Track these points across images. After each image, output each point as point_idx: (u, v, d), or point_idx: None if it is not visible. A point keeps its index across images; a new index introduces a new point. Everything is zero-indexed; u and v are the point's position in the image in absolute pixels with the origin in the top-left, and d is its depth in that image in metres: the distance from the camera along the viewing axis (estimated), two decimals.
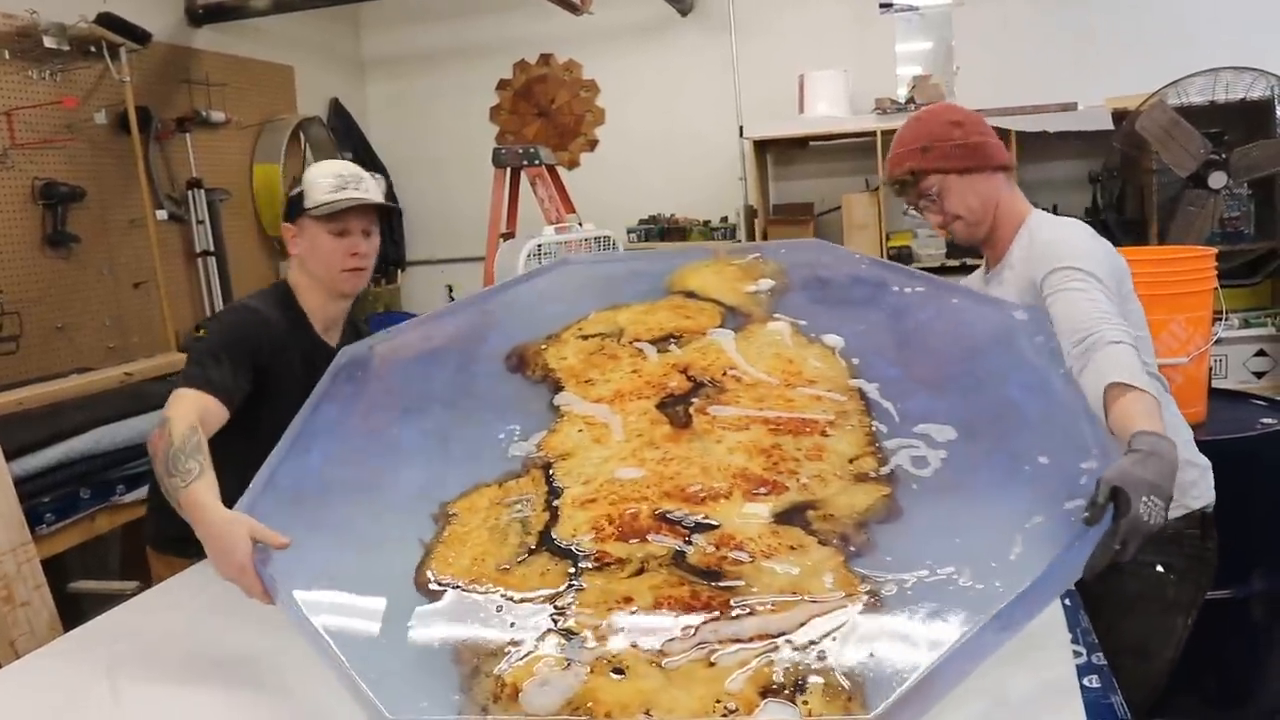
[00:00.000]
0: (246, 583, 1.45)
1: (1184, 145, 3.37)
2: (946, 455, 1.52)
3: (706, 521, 1.45)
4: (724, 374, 1.76)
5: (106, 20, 4.15)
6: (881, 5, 4.94)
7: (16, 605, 2.32)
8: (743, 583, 1.34)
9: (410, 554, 1.47)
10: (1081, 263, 1.73)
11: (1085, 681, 1.41)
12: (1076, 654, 1.49)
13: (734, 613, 1.29)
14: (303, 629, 1.35)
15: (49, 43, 3.95)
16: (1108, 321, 1.60)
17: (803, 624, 1.26)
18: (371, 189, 2.07)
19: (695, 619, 1.28)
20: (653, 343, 1.88)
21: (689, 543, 1.41)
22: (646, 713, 1.16)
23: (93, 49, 4.15)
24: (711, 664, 1.22)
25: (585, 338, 1.93)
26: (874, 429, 1.60)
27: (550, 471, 1.59)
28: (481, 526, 1.50)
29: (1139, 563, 1.61)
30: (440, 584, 1.40)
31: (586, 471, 1.58)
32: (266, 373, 1.93)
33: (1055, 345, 1.68)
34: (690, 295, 2.03)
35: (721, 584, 1.34)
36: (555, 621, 1.31)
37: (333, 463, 1.68)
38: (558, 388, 1.80)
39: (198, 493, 1.53)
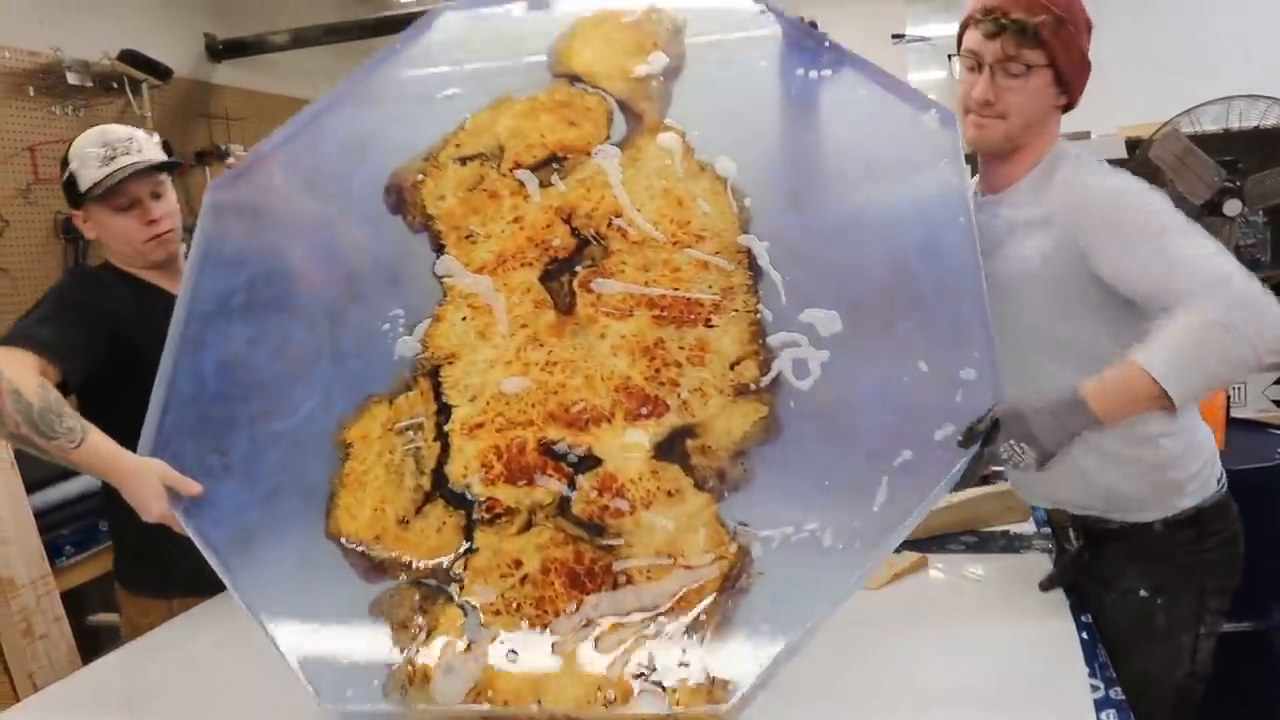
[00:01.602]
0: (175, 528, 1.56)
1: (1198, 173, 3.18)
2: (827, 359, 1.51)
3: (590, 455, 1.50)
4: (610, 225, 1.67)
5: (129, 57, 4.20)
6: (894, 36, 4.98)
7: (35, 638, 2.30)
8: (622, 541, 1.44)
9: (317, 498, 1.55)
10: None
11: (1103, 717, 1.39)
12: (1094, 688, 1.45)
13: (615, 575, 1.41)
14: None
15: (72, 79, 4.01)
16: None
17: (675, 594, 1.39)
18: (146, 147, 1.87)
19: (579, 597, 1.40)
20: (535, 168, 1.74)
21: (573, 486, 1.48)
22: (538, 701, 1.35)
23: (115, 85, 4.21)
24: (595, 644, 1.37)
25: (464, 161, 1.78)
26: (759, 316, 1.56)
27: (438, 379, 1.60)
28: (377, 463, 1.56)
29: (1124, 590, 1.65)
30: (348, 545, 1.51)
31: (473, 382, 1.59)
32: (127, 338, 1.81)
33: (959, 170, 1.56)
34: (576, 80, 1.82)
35: (603, 541, 1.44)
36: (451, 596, 1.44)
37: (226, 376, 1.67)
38: (439, 244, 1.71)
39: (96, 444, 1.57)
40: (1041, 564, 1.90)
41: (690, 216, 1.65)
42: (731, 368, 1.53)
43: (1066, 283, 1.55)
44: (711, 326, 1.56)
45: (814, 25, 1.77)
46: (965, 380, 1.46)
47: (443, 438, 1.56)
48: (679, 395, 1.52)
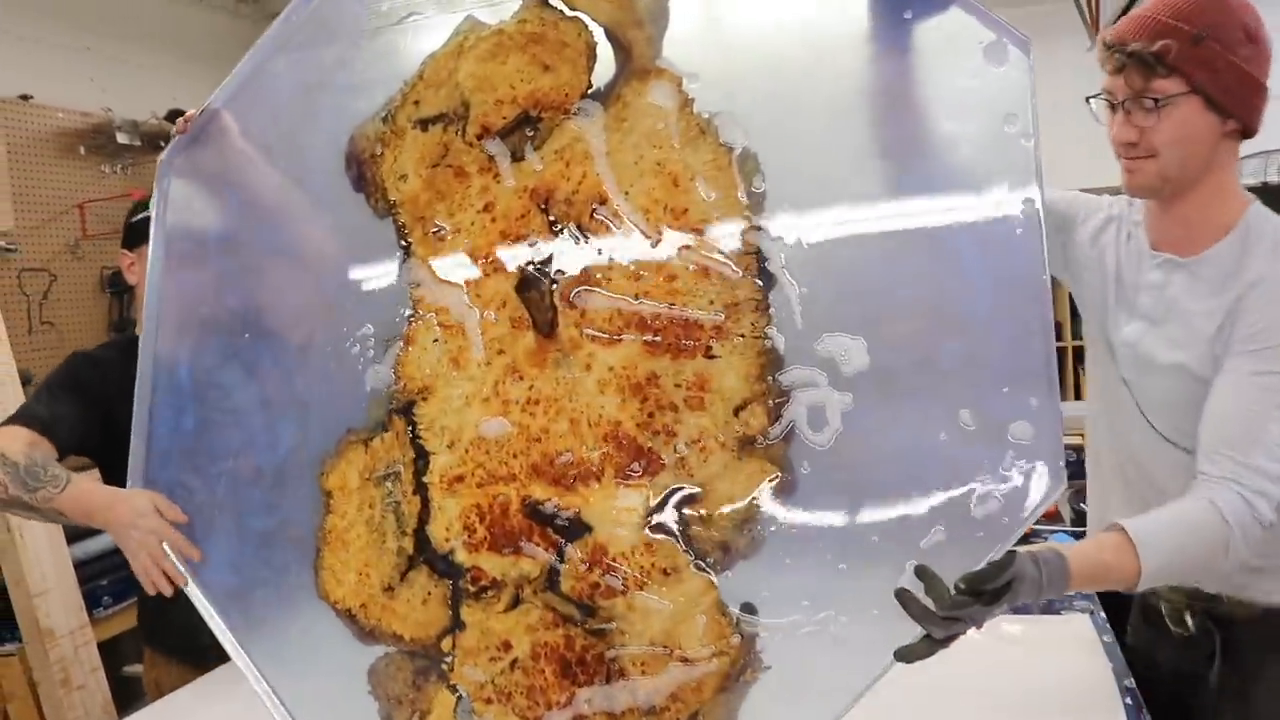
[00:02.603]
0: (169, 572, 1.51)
1: None
2: (850, 406, 1.24)
3: (578, 521, 1.33)
4: (593, 215, 1.38)
5: (176, 116, 3.45)
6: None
7: (73, 689, 2.26)
8: (614, 626, 1.29)
9: (306, 549, 1.46)
10: None
11: None
12: None
13: (607, 663, 1.29)
14: (234, 655, 1.46)
15: (121, 138, 4.11)
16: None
17: (671, 692, 1.26)
18: None
19: (570, 689, 1.29)
20: (505, 134, 1.44)
21: (561, 556, 1.33)
22: None
23: (162, 143, 3.76)
24: None
25: (424, 126, 1.49)
26: (769, 344, 1.28)
27: (412, 418, 1.43)
28: (358, 519, 1.44)
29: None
30: (338, 609, 1.42)
31: (449, 423, 1.40)
32: (117, 417, 1.66)
33: (1031, 144, 1.19)
34: (546, 4, 1.45)
35: (594, 625, 1.30)
36: (444, 674, 1.35)
37: (204, 401, 1.55)
38: (405, 241, 1.47)
39: (79, 482, 1.53)
40: (1082, 625, 1.70)
41: (688, 203, 1.34)
42: (736, 414, 1.29)
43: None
44: (713, 357, 1.30)
45: None
46: (1018, 441, 1.17)
47: (422, 489, 1.40)
48: (675, 449, 1.30)
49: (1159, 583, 1.25)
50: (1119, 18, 1.39)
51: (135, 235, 1.89)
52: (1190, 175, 1.33)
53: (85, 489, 1.53)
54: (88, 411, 1.74)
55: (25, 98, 4.06)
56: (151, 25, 4.68)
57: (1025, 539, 2.28)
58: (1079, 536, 2.43)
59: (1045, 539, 2.14)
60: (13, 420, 1.67)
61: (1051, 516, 2.59)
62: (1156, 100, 1.30)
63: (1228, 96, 1.28)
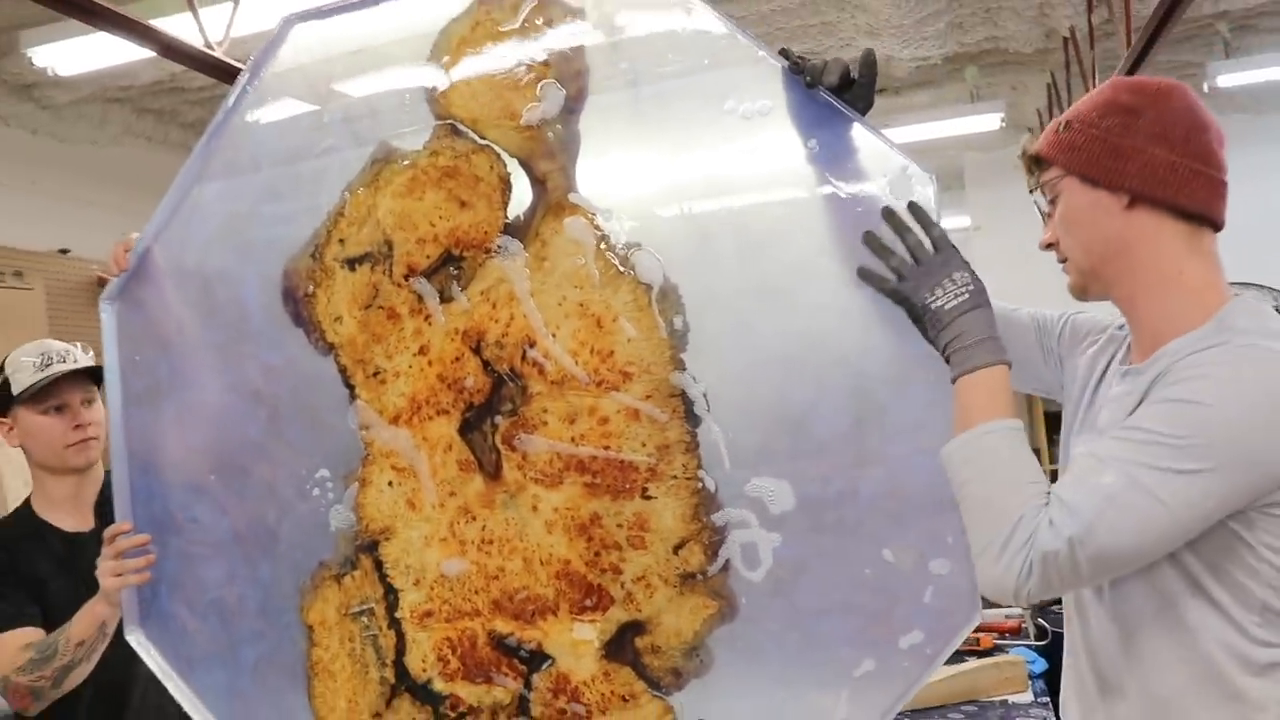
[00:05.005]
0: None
1: None
2: (779, 543, 1.31)
3: (540, 652, 1.42)
4: (524, 358, 1.41)
5: None
6: None
7: None
8: None
9: (297, 678, 1.56)
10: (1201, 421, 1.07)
11: None
12: None
13: None
14: None
15: None
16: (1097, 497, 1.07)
17: None
18: (82, 359, 1.87)
19: None
20: (430, 274, 1.46)
21: (528, 685, 1.43)
22: None
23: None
24: None
25: (352, 266, 1.51)
26: (700, 485, 1.34)
27: (378, 557, 1.51)
28: (341, 651, 1.53)
29: None
30: None
31: (412, 563, 1.48)
32: (44, 584, 1.77)
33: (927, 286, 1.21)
34: (458, 129, 1.45)
35: None
36: None
37: (183, 534, 1.62)
38: (348, 382, 1.52)
39: (77, 615, 1.65)
40: None
41: (613, 345, 1.37)
42: (675, 551, 1.36)
43: None
44: (649, 498, 1.36)
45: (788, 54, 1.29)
46: (937, 574, 1.24)
47: (395, 624, 1.50)
48: (622, 585, 1.38)
49: (951, 470, 1.17)
50: None
51: (2, 401, 1.85)
52: (1099, 260, 1.23)
53: (91, 612, 1.65)
54: (20, 591, 1.78)
55: (64, 251, 4.42)
56: None
57: (988, 652, 2.42)
58: (1042, 652, 2.48)
59: (1007, 652, 2.23)
60: None
61: (1015, 631, 2.66)
62: (1053, 195, 1.26)
63: (1095, 168, 1.20)
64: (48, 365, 1.82)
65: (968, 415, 1.16)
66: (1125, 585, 1.19)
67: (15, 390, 1.81)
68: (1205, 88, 4.77)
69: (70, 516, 1.89)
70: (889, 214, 1.22)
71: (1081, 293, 1.28)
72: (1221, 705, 1.14)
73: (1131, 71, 3.42)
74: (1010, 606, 2.83)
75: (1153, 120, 1.18)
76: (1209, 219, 1.20)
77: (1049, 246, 1.30)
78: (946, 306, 1.17)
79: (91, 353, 1.92)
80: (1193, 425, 1.06)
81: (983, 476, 1.13)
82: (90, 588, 1.64)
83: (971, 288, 1.18)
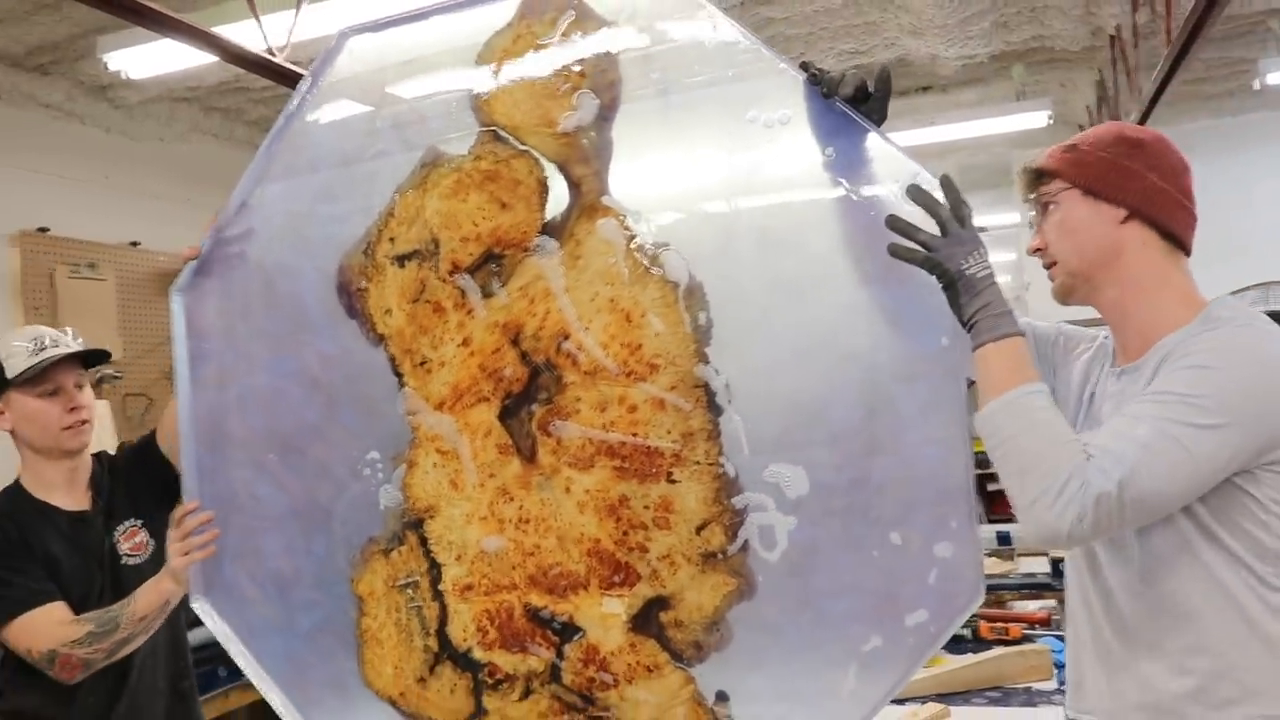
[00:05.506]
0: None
1: None
2: (795, 525, 1.40)
3: (572, 624, 1.52)
4: (559, 349, 1.52)
5: None
6: None
7: None
8: (611, 714, 1.51)
9: (349, 643, 1.68)
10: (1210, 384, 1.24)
11: None
12: None
13: None
14: None
15: None
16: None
17: None
18: (72, 343, 1.84)
19: None
20: (474, 269, 1.57)
21: (560, 655, 1.53)
22: None
23: None
24: None
25: (401, 262, 1.62)
26: (722, 471, 1.43)
27: (423, 534, 1.62)
28: (389, 621, 1.65)
29: None
30: (382, 698, 1.66)
31: (455, 539, 1.59)
32: (58, 562, 1.85)
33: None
34: (499, 134, 1.55)
35: (595, 712, 1.52)
36: None
37: (243, 509, 1.75)
38: (397, 370, 1.63)
39: (142, 588, 1.76)
40: (1056, 715, 1.81)
41: (641, 338, 1.47)
42: (698, 532, 1.45)
43: None
44: (674, 482, 1.46)
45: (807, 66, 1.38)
46: (941, 558, 1.32)
47: (439, 596, 1.61)
48: (648, 563, 1.47)
49: (992, 428, 1.28)
50: None
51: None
52: (1091, 264, 1.37)
53: (153, 589, 1.78)
54: (39, 568, 1.83)
55: (134, 244, 4.59)
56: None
57: (1017, 641, 2.49)
58: None
59: (1034, 642, 2.33)
60: (23, 606, 1.76)
61: (1045, 622, 2.70)
62: (1047, 205, 1.41)
63: (1101, 183, 1.36)
64: (41, 350, 1.86)
65: (1002, 378, 1.28)
66: (1150, 533, 1.31)
67: (10, 374, 1.86)
68: (1256, 84, 4.74)
69: (68, 497, 1.94)
70: (917, 191, 1.30)
71: (1067, 295, 1.42)
72: (1251, 643, 1.27)
73: (1173, 68, 3.43)
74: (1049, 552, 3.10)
75: (1153, 154, 1.35)
76: (1183, 245, 1.38)
77: (1036, 251, 1.43)
78: (980, 274, 1.28)
79: (81, 338, 2.00)
80: (1208, 386, 1.23)
81: (1029, 432, 1.25)
82: (100, 566, 1.76)
83: (990, 263, 1.29)
